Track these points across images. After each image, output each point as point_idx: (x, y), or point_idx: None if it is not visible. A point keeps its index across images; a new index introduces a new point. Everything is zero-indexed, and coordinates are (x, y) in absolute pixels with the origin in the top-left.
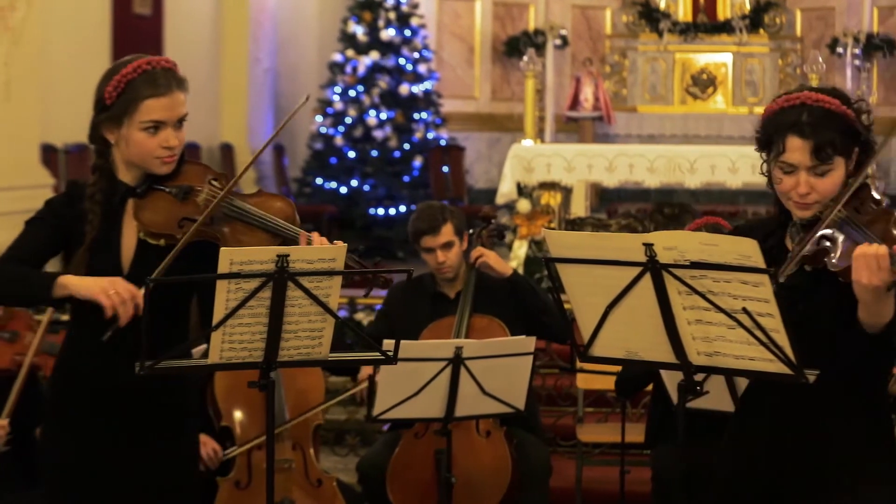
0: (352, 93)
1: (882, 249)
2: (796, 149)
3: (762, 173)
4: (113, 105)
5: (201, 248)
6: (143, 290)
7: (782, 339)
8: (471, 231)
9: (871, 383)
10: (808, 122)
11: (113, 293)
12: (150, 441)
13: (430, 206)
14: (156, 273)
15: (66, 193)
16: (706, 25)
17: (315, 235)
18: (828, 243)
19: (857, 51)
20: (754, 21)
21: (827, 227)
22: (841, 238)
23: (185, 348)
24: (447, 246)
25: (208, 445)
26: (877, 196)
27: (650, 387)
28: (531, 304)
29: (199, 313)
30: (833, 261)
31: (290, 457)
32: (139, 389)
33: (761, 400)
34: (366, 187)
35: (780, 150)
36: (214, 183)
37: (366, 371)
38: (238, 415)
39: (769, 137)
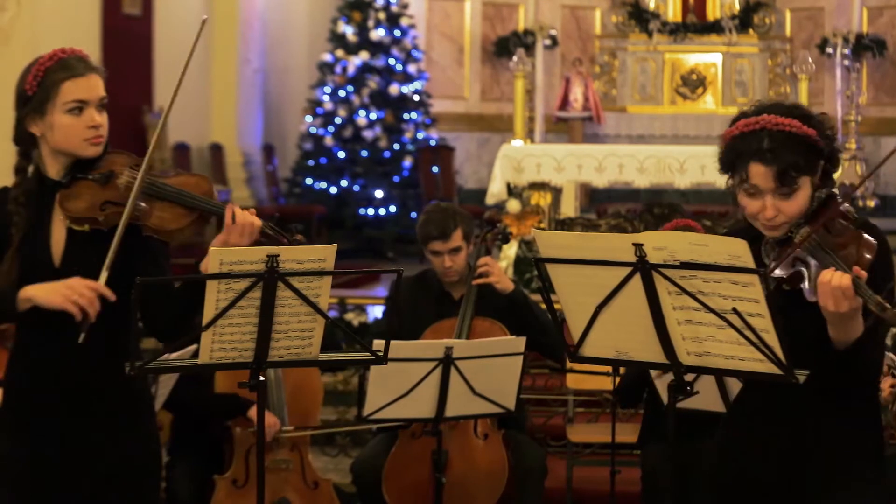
0: (341, 93)
1: (845, 280)
2: (759, 175)
3: (728, 191)
4: (34, 94)
5: (126, 233)
6: (103, 279)
7: (772, 339)
8: (476, 234)
9: (859, 387)
10: (770, 147)
11: (76, 297)
12: (107, 434)
13: (441, 209)
14: (107, 263)
15: None
16: (696, 25)
17: (236, 209)
18: (801, 267)
19: (846, 51)
20: (744, 21)
21: (804, 254)
22: (813, 263)
23: (175, 346)
24: (455, 251)
25: (270, 417)
26: (845, 207)
27: None
28: (527, 321)
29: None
30: (806, 287)
31: (288, 457)
32: (94, 379)
33: (752, 400)
34: (356, 187)
35: (743, 176)
36: (134, 168)
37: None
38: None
39: (732, 163)
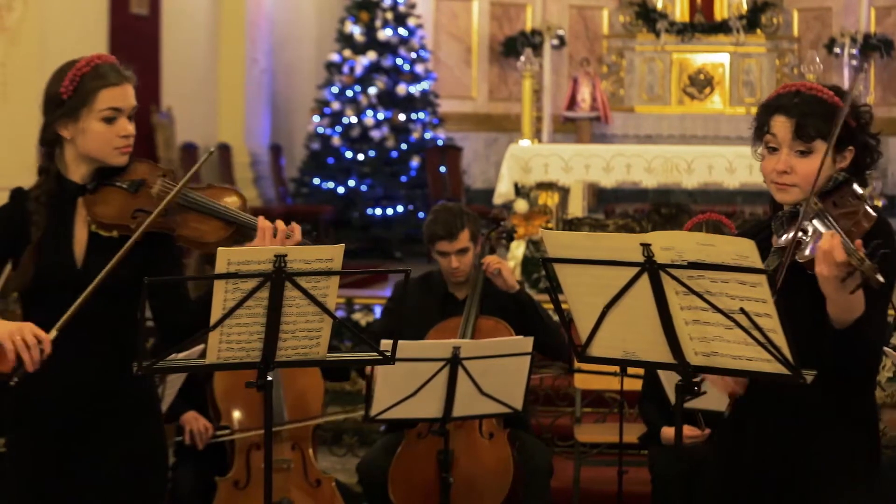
0: (349, 93)
1: (835, 239)
2: (779, 124)
3: (756, 157)
4: (69, 99)
5: (154, 241)
6: (51, 336)
7: (780, 339)
8: (481, 233)
9: (856, 386)
10: (796, 103)
11: (18, 339)
12: (113, 434)
13: (448, 209)
14: (111, 264)
15: (10, 201)
16: (703, 25)
17: (279, 224)
18: (801, 234)
19: (854, 51)
20: (751, 21)
21: (804, 220)
22: (811, 230)
23: (181, 347)
24: (462, 252)
25: (199, 421)
26: (859, 191)
27: (640, 385)
28: (532, 322)
29: (153, 317)
30: (804, 253)
31: (288, 457)
32: (98, 386)
33: (749, 401)
34: (363, 187)
35: (766, 129)
36: (165, 179)
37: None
38: (237, 415)
39: (760, 121)
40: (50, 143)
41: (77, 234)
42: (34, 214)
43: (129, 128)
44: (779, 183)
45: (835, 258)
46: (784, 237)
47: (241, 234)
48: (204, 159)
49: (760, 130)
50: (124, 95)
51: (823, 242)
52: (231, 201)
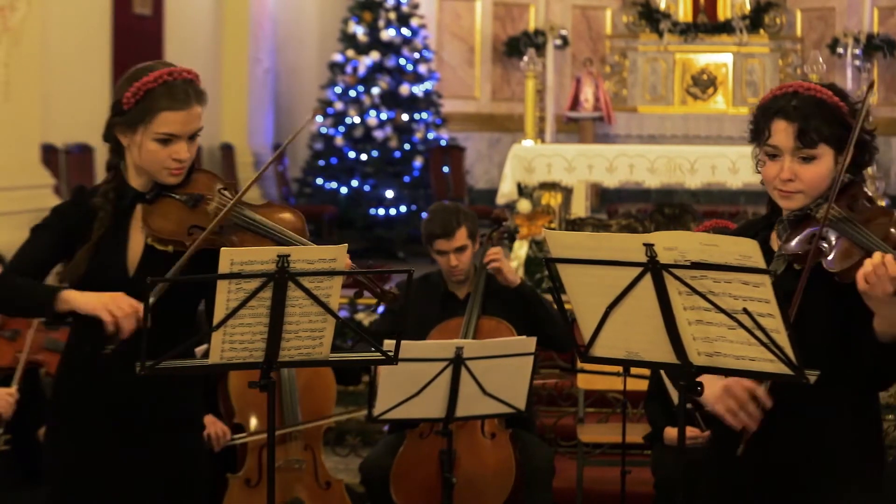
0: (352, 93)
1: (888, 256)
2: (780, 131)
3: (757, 171)
4: (130, 111)
5: (210, 258)
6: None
7: (783, 339)
8: (482, 233)
9: (863, 385)
10: (796, 105)
11: (115, 308)
12: (155, 438)
13: (445, 208)
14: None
15: (73, 198)
16: (706, 26)
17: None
18: (822, 243)
19: (857, 51)
20: (754, 21)
21: (825, 227)
22: (834, 237)
23: (186, 348)
24: (460, 250)
25: (217, 425)
26: (869, 193)
27: (643, 385)
28: (537, 314)
29: (205, 315)
30: (829, 260)
31: (300, 457)
32: (143, 388)
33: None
34: (366, 188)
35: (766, 135)
36: (224, 192)
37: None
38: (253, 413)
39: (758, 125)
40: (113, 141)
41: (132, 243)
42: (101, 210)
43: (184, 152)
44: (783, 190)
45: (889, 275)
46: (792, 242)
47: None
48: (261, 171)
49: (759, 133)
50: (186, 120)
51: (873, 259)
52: (288, 221)
